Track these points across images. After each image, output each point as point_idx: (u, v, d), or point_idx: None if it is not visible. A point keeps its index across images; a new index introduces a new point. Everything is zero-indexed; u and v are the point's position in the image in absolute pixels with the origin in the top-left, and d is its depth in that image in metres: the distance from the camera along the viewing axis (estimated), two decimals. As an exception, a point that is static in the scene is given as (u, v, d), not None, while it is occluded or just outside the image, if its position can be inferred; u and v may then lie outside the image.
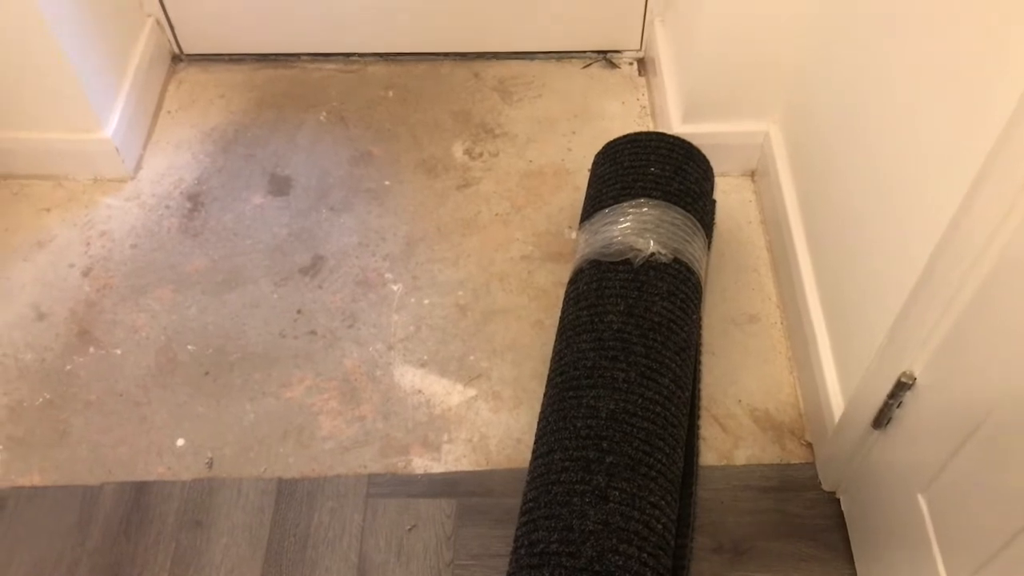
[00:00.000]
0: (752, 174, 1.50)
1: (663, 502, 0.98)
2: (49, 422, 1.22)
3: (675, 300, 1.13)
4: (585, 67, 1.68)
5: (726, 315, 1.32)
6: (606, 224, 1.20)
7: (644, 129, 1.57)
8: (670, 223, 1.19)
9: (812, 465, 1.18)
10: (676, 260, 1.16)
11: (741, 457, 1.19)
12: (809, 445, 1.19)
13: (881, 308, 0.98)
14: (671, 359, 1.08)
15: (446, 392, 1.25)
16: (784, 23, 1.26)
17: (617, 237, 1.18)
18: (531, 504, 0.99)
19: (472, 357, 1.29)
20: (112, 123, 1.44)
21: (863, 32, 1.08)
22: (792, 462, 1.18)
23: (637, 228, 1.18)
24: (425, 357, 1.29)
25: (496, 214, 1.45)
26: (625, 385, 1.04)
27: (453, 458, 1.19)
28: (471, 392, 1.25)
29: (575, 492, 0.96)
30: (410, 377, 1.26)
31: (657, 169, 1.25)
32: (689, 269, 1.17)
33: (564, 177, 1.50)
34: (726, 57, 1.32)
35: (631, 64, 1.68)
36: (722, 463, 1.18)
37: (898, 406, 0.94)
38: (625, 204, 1.21)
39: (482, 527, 1.13)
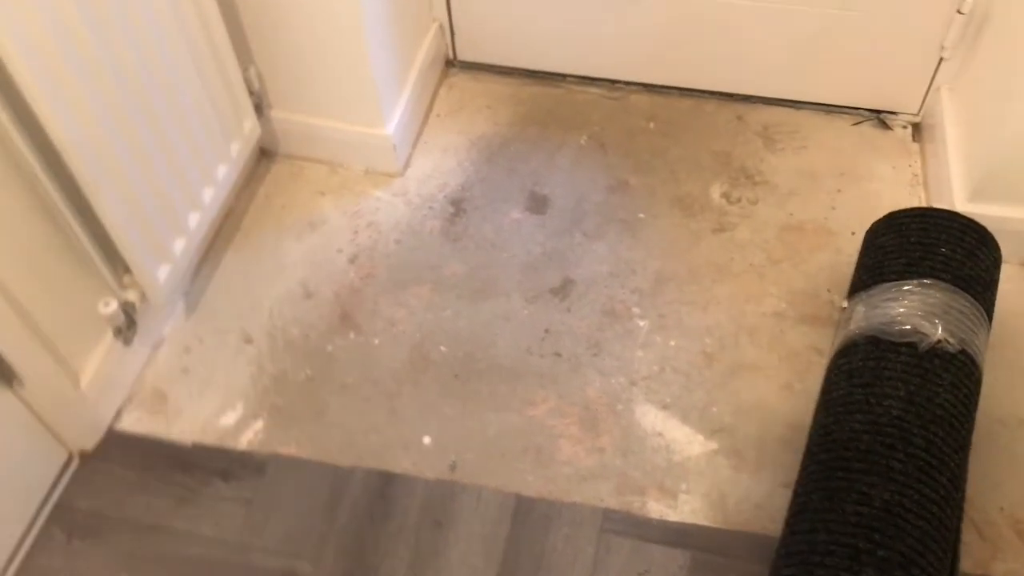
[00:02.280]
0: (1032, 264, 1.41)
1: (932, 609, 0.94)
2: (309, 398, 1.30)
3: (958, 394, 1.07)
4: (855, 124, 1.62)
5: (993, 414, 1.24)
6: (887, 300, 1.16)
7: (914, 198, 1.50)
8: (958, 311, 1.13)
9: (1080, 594, 1.09)
10: (962, 351, 1.10)
11: (999, 570, 1.12)
12: (1078, 572, 1.11)
13: None
14: (950, 457, 1.03)
15: (687, 440, 1.24)
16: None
17: (900, 316, 1.13)
18: (788, 581, 0.97)
19: (715, 409, 1.27)
20: (393, 121, 1.51)
21: None
22: (1056, 586, 1.10)
23: (924, 310, 1.13)
24: (668, 400, 1.28)
25: (750, 264, 1.43)
26: (901, 477, 0.99)
27: (689, 509, 1.18)
28: (712, 445, 1.23)
29: (841, 580, 0.93)
30: (651, 418, 1.26)
31: (948, 250, 1.19)
32: (974, 362, 1.11)
33: (825, 236, 1.46)
34: (1037, 142, 1.24)
35: (905, 128, 1.61)
36: (978, 572, 1.12)
37: None
38: (911, 282, 1.16)
39: (714, 586, 1.11)
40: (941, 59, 1.49)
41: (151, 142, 1.13)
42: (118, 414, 1.29)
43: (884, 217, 1.29)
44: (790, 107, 1.65)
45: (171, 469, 1.23)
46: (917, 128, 1.61)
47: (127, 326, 1.20)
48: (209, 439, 1.26)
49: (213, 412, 1.29)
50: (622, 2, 1.55)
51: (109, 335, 1.23)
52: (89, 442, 1.25)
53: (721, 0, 1.50)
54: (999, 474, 1.19)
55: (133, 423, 1.28)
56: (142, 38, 1.08)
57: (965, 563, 1.12)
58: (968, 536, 1.14)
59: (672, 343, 1.34)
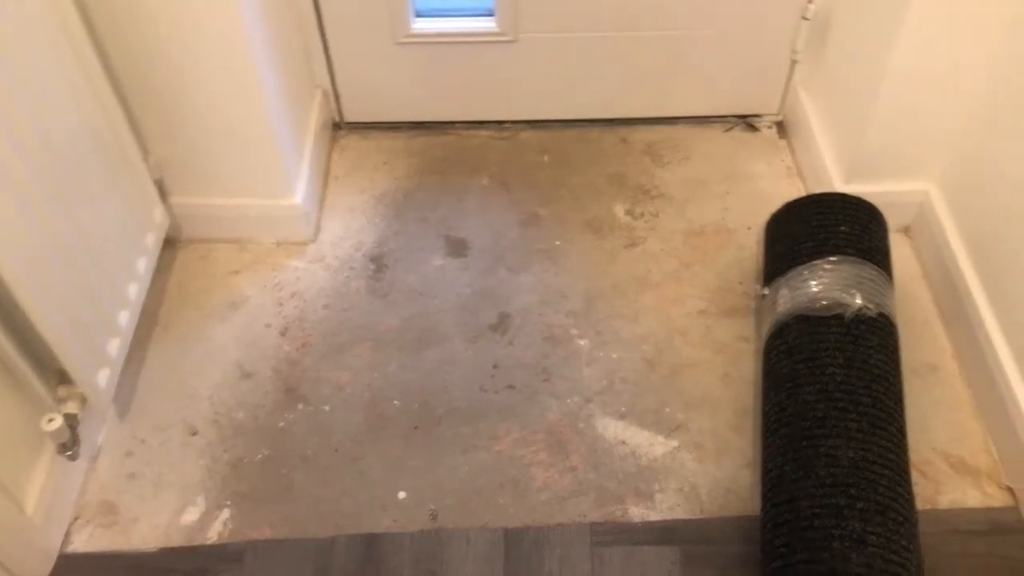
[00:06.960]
0: (906, 230, 1.57)
1: (912, 546, 1.03)
2: (271, 478, 1.27)
3: (886, 352, 1.19)
4: (726, 131, 1.76)
5: (907, 366, 1.36)
6: (805, 280, 1.27)
7: (793, 188, 1.65)
8: (869, 279, 1.25)
9: (1016, 508, 1.22)
10: (880, 314, 1.22)
11: (944, 502, 1.23)
12: (1010, 489, 1.24)
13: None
14: (893, 409, 1.13)
15: (649, 443, 1.30)
16: (960, 91, 1.34)
17: (821, 292, 1.24)
18: (784, 550, 1.04)
19: (668, 409, 1.34)
20: (300, 190, 1.51)
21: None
22: (995, 505, 1.23)
23: (840, 284, 1.24)
24: (623, 409, 1.34)
25: (666, 272, 1.52)
26: (859, 434, 1.09)
27: (667, 507, 1.23)
28: (673, 443, 1.30)
29: (833, 537, 1.01)
30: (612, 429, 1.31)
31: (847, 228, 1.32)
32: (891, 322, 1.23)
33: (726, 235, 1.57)
34: (899, 125, 1.40)
35: (770, 127, 1.76)
36: (927, 507, 1.22)
37: None
38: (821, 261, 1.28)
39: (708, 573, 1.17)
40: (794, 61, 1.66)
41: (76, 242, 1.09)
42: (67, 536, 1.21)
43: (783, 207, 1.41)
44: (667, 124, 1.77)
45: (141, 580, 1.17)
46: (781, 126, 1.76)
47: (72, 441, 1.13)
48: (175, 540, 1.21)
49: (173, 512, 1.23)
50: (499, 47, 1.63)
51: (46, 454, 1.16)
52: (42, 572, 1.16)
53: (593, 33, 1.61)
54: (924, 418, 1.32)
55: (86, 542, 1.21)
56: (54, 139, 1.04)
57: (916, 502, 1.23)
58: (912, 478, 1.25)
59: (614, 356, 1.40)
